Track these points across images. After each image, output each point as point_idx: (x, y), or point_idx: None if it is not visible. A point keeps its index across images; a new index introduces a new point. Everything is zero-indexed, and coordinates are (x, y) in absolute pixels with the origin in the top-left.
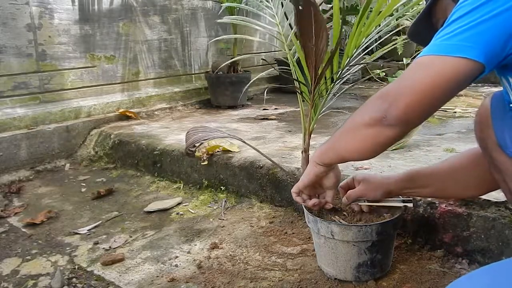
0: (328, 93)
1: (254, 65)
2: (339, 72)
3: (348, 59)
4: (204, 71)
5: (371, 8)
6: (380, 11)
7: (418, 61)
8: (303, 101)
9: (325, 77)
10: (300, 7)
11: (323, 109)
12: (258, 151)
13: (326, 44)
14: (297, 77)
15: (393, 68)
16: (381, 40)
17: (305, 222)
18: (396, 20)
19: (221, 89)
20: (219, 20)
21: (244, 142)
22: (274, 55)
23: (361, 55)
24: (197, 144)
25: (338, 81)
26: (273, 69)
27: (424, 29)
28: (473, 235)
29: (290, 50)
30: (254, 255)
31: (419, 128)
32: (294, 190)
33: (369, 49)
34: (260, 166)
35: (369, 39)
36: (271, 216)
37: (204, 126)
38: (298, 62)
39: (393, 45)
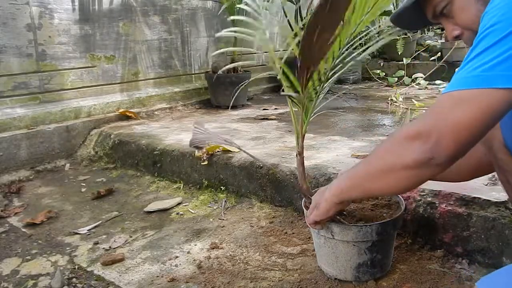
0: (317, 95)
1: (254, 65)
2: (327, 73)
3: (334, 60)
4: (204, 71)
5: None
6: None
7: (456, 95)
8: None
9: (313, 80)
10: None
11: (315, 111)
12: (252, 156)
13: (331, 43)
14: (289, 81)
15: (393, 68)
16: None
17: (305, 222)
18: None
19: (221, 89)
20: (217, 34)
21: (240, 149)
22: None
23: (353, 54)
24: (200, 145)
25: (328, 82)
26: (273, 68)
27: (412, 13)
28: (473, 235)
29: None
30: (254, 255)
31: None
32: (310, 222)
33: (366, 47)
34: (260, 166)
35: (356, 38)
36: (271, 216)
37: (206, 129)
38: (289, 64)
39: (375, 42)
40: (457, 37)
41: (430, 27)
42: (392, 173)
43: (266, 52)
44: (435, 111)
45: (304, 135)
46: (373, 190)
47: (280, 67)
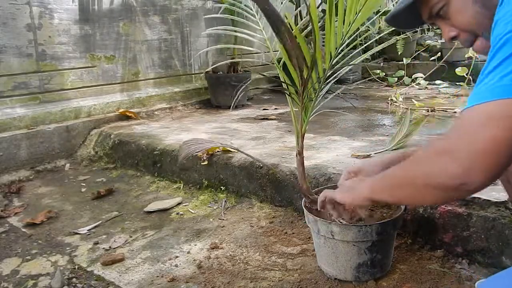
0: (316, 95)
1: (254, 65)
2: (326, 74)
3: (331, 60)
4: (204, 71)
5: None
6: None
7: (483, 110)
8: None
9: (313, 80)
10: (266, 7)
11: (315, 111)
12: (251, 156)
13: (300, 49)
14: (284, 80)
15: (393, 68)
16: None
17: (305, 222)
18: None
19: (221, 89)
20: (203, 32)
21: (238, 150)
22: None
23: (351, 54)
24: (192, 156)
25: (327, 82)
26: (272, 67)
27: (408, 14)
28: (473, 235)
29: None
30: (254, 255)
31: (419, 128)
32: (323, 198)
33: (363, 47)
34: (260, 166)
35: (351, 38)
36: (271, 216)
37: (196, 139)
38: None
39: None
40: (454, 38)
41: (430, 27)
42: (420, 188)
43: (267, 52)
44: (464, 129)
45: (304, 135)
46: (401, 198)
47: (280, 67)
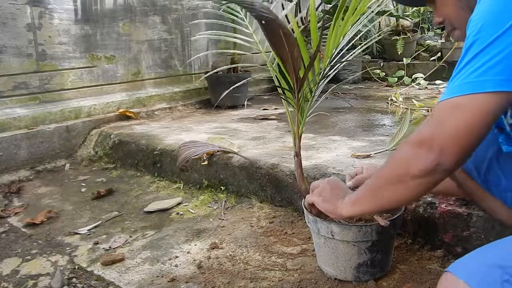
0: (312, 95)
1: (254, 65)
2: (321, 73)
3: (329, 59)
4: (204, 71)
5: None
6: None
7: (453, 102)
8: (289, 105)
9: (308, 80)
10: (262, 22)
11: (311, 111)
12: (248, 159)
13: (298, 52)
14: (279, 83)
15: (393, 68)
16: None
17: (305, 222)
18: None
19: (221, 89)
20: (192, 38)
21: (236, 153)
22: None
23: (350, 53)
24: (190, 160)
25: (321, 82)
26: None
27: None
28: (473, 235)
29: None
30: (254, 255)
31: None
32: (309, 201)
33: (363, 47)
34: (260, 166)
35: (350, 37)
36: (271, 216)
37: (194, 141)
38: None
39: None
40: (440, 23)
41: (430, 27)
42: (401, 184)
43: (267, 52)
44: (435, 119)
45: (300, 136)
46: (385, 203)
47: (276, 69)
